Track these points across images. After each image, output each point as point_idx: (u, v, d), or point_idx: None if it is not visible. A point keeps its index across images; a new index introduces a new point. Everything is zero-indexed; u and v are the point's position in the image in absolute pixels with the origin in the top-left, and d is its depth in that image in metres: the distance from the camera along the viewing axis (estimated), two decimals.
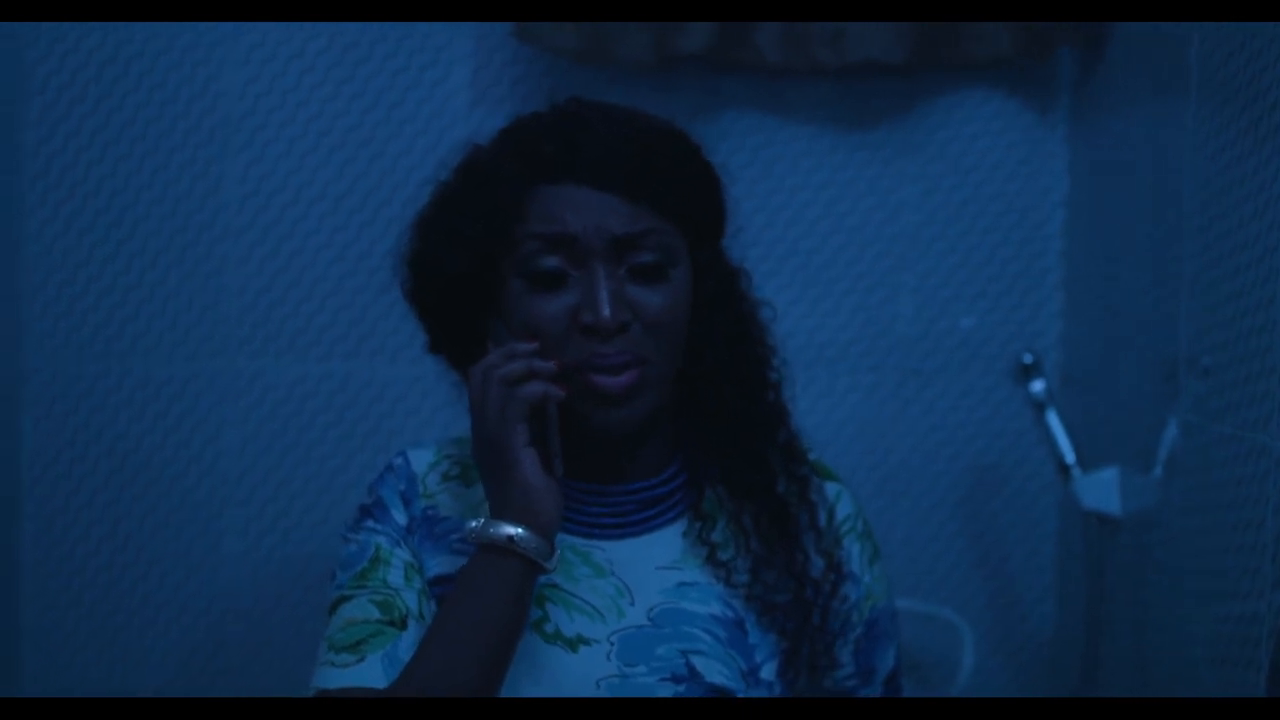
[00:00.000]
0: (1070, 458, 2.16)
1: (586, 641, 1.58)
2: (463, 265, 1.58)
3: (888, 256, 2.46)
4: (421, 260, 1.63)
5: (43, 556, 2.41)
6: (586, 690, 1.56)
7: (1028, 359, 2.22)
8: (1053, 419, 2.19)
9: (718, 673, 1.58)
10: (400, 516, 1.64)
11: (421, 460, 1.69)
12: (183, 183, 2.39)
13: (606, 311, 1.52)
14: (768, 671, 1.61)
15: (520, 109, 1.67)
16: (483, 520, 1.51)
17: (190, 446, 2.42)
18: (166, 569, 2.43)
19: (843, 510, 1.71)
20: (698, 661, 1.58)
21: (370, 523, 1.64)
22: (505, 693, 1.54)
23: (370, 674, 1.52)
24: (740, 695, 1.58)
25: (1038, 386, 2.21)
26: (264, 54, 2.39)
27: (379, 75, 2.40)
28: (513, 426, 1.51)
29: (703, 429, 1.66)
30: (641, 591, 1.61)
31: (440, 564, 1.61)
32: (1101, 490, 2.11)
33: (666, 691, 1.56)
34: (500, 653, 1.50)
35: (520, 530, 1.49)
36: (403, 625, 1.56)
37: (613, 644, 1.58)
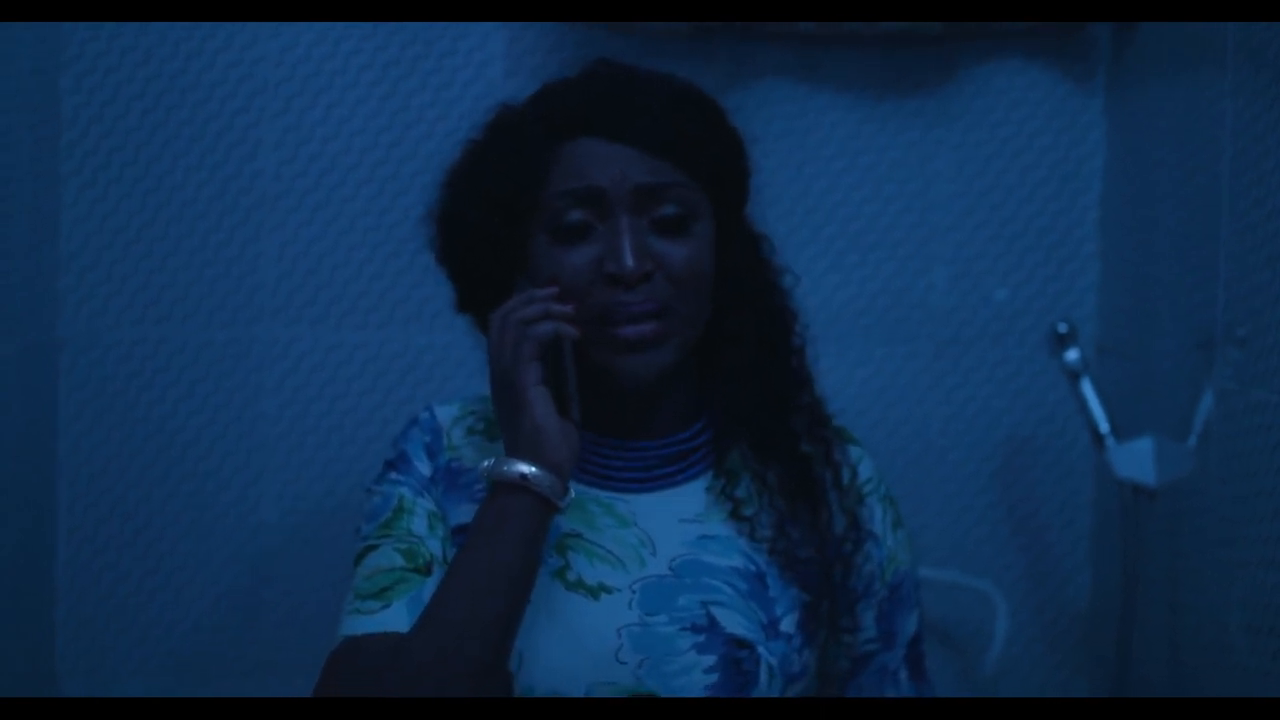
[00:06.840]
0: (1105, 427, 2.16)
1: (608, 589, 1.59)
2: (489, 222, 1.60)
3: (922, 226, 2.45)
4: (449, 217, 1.65)
5: (79, 522, 2.42)
6: (607, 638, 1.57)
7: (1062, 328, 2.21)
8: (1088, 389, 2.18)
9: (738, 624, 1.59)
10: (424, 468, 1.65)
11: (446, 414, 1.71)
12: (219, 150, 2.40)
13: (630, 260, 1.54)
14: (788, 624, 1.61)
15: (555, 77, 1.67)
16: (496, 459, 1.53)
17: (226, 414, 2.43)
18: (203, 536, 2.44)
19: (865, 472, 1.72)
20: (718, 612, 1.59)
21: (394, 475, 1.66)
22: (525, 641, 1.55)
23: (396, 619, 1.53)
24: (760, 647, 1.59)
25: (1073, 356, 2.20)
26: (299, 21, 2.39)
27: (414, 43, 2.40)
28: (525, 365, 1.52)
29: (727, 390, 1.67)
30: (664, 542, 1.62)
31: (463, 513, 1.62)
32: (1137, 460, 2.10)
33: (686, 641, 1.57)
34: (517, 590, 1.51)
35: (533, 468, 1.50)
36: (427, 571, 1.57)
37: (634, 592, 1.59)
